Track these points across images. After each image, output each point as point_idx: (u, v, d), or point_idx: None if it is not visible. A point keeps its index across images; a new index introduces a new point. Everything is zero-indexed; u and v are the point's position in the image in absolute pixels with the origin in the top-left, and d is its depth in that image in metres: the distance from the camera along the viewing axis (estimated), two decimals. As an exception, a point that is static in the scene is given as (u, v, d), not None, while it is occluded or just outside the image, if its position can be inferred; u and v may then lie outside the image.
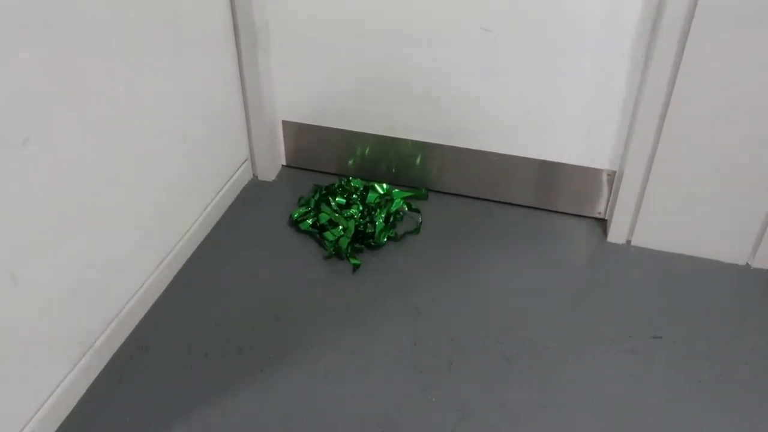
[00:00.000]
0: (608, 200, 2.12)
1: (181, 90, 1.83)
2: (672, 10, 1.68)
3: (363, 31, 2.02)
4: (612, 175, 2.07)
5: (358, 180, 2.25)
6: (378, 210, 2.08)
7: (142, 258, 1.80)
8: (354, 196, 2.11)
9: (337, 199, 2.08)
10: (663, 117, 1.83)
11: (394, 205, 2.12)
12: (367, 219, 2.06)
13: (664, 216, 1.99)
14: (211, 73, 1.98)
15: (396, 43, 2.01)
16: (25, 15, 1.27)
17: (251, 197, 2.26)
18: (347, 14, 2.01)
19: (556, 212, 2.19)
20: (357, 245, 2.02)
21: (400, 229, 2.12)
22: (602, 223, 2.15)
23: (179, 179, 1.91)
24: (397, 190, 2.25)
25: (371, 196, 2.10)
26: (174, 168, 1.87)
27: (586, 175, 2.09)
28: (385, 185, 2.24)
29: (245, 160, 2.30)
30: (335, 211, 2.05)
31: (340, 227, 2.02)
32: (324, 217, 2.05)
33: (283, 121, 2.30)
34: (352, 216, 2.04)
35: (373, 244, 2.03)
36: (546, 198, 2.18)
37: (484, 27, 1.91)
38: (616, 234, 2.07)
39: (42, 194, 1.40)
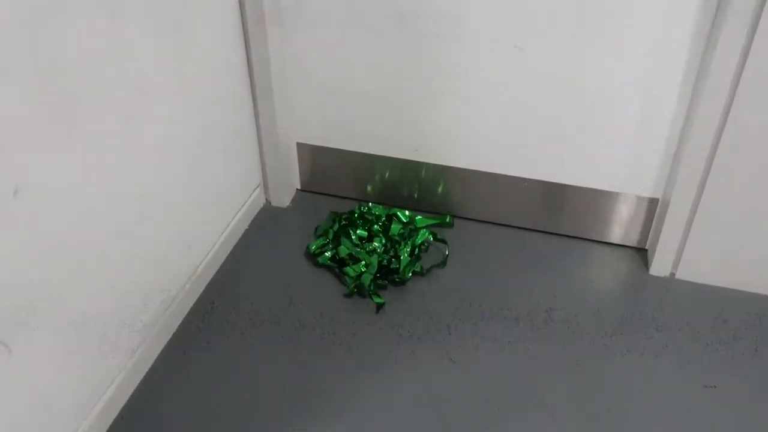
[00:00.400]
0: (650, 230, 1.96)
1: (186, 111, 1.67)
2: (731, 25, 1.52)
3: (381, 54, 1.87)
4: (654, 203, 1.91)
5: (379, 207, 2.10)
6: (402, 243, 1.93)
7: (150, 300, 1.66)
8: (375, 226, 1.96)
9: (358, 231, 1.93)
10: (717, 141, 1.67)
11: (419, 236, 1.97)
12: (391, 253, 1.90)
13: (714, 248, 1.84)
14: (221, 93, 1.83)
15: (420, 61, 1.85)
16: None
17: (264, 226, 2.11)
18: (364, 57, 1.85)
19: (593, 241, 2.04)
20: (380, 281, 1.87)
21: (426, 261, 1.97)
22: (643, 254, 1.99)
23: (184, 213, 1.76)
24: (420, 217, 2.09)
25: (395, 228, 1.95)
26: (179, 200, 1.72)
27: (626, 203, 1.93)
28: (407, 212, 2.08)
29: (258, 186, 2.15)
30: (356, 245, 1.90)
31: (363, 262, 1.86)
32: (344, 251, 1.90)
33: (297, 143, 2.15)
34: (374, 250, 1.89)
35: (397, 280, 1.88)
36: (581, 226, 2.02)
37: (517, 45, 1.75)
38: (660, 266, 1.92)
39: (39, 239, 1.25)
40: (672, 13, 1.61)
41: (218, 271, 1.95)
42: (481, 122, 1.92)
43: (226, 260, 1.98)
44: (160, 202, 1.63)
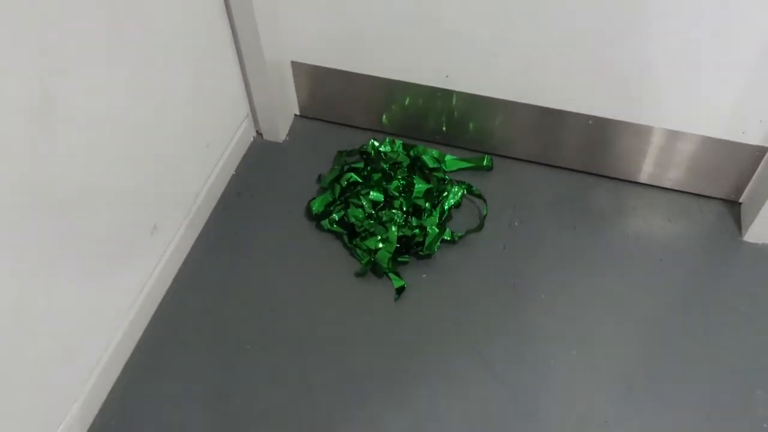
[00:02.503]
0: (752, 186, 1.51)
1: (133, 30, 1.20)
2: None
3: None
4: (762, 154, 1.45)
5: (399, 142, 1.65)
6: (429, 207, 1.50)
7: (121, 286, 1.29)
8: (394, 183, 1.52)
9: (371, 194, 1.50)
10: None
11: (450, 196, 1.53)
12: (414, 222, 1.48)
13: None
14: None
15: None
16: None
17: (254, 171, 1.69)
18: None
19: (672, 190, 1.59)
20: (401, 259, 1.47)
21: (458, 223, 1.55)
22: (735, 211, 1.56)
23: (145, 173, 1.33)
24: (451, 156, 1.65)
25: (419, 188, 1.51)
26: (135, 152, 1.29)
27: (723, 151, 1.47)
28: (434, 152, 1.64)
29: (245, 117, 1.70)
30: (368, 216, 1.48)
31: (378, 237, 1.46)
32: (356, 213, 1.49)
33: (292, 62, 1.66)
34: (392, 218, 1.47)
35: (422, 253, 1.48)
36: (661, 173, 1.57)
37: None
38: (759, 231, 1.49)
39: None
40: None
41: (198, 238, 1.55)
42: (536, 44, 1.41)
43: (207, 224, 1.58)
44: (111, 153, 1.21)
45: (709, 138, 1.45)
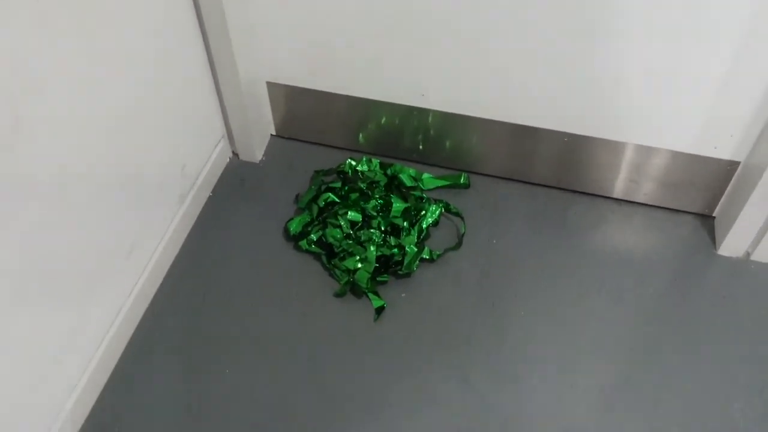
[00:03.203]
0: (721, 199, 1.53)
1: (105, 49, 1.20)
2: None
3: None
4: (734, 168, 1.47)
5: (375, 161, 1.65)
6: (407, 228, 1.50)
7: (97, 313, 1.27)
8: (371, 203, 1.52)
9: (349, 214, 1.49)
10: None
11: (428, 215, 1.54)
12: (393, 241, 1.48)
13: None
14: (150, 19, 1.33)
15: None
16: None
17: (231, 191, 1.68)
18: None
19: (645, 205, 1.61)
20: (380, 278, 1.47)
21: (436, 241, 1.56)
22: (708, 225, 1.58)
23: (124, 191, 1.32)
24: (428, 175, 1.66)
25: (396, 207, 1.51)
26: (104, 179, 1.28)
27: (695, 166, 1.49)
28: (412, 170, 1.64)
29: (221, 138, 1.69)
30: (347, 236, 1.48)
31: (357, 257, 1.45)
32: (334, 233, 1.48)
33: (267, 82, 1.66)
34: (371, 238, 1.47)
35: (401, 272, 1.48)
36: (631, 187, 1.59)
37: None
38: (732, 244, 1.51)
39: None
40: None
41: (175, 260, 1.54)
42: (513, 62, 1.43)
43: (185, 244, 1.57)
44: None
45: (681, 153, 1.48)
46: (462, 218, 1.58)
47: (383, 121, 1.64)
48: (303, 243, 1.52)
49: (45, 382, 1.19)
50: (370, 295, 1.45)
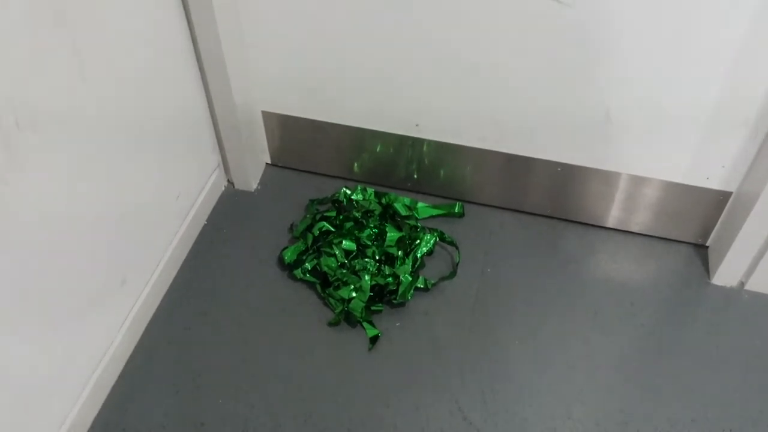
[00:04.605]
0: (714, 229, 1.54)
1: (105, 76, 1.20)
2: None
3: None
4: (726, 198, 1.48)
5: (370, 191, 1.65)
6: (401, 257, 1.50)
7: (88, 344, 1.26)
8: (366, 232, 1.52)
9: (344, 243, 1.49)
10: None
11: (423, 244, 1.54)
12: (387, 270, 1.48)
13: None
14: (154, 52, 1.34)
15: (425, 4, 1.36)
16: None
17: (226, 220, 1.68)
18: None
19: (639, 234, 1.62)
20: (375, 307, 1.47)
21: (431, 270, 1.56)
22: (702, 255, 1.58)
23: (114, 229, 1.32)
24: (423, 204, 1.66)
25: (391, 236, 1.52)
26: (105, 210, 1.28)
27: (688, 196, 1.50)
28: (406, 199, 1.65)
29: (216, 167, 1.69)
30: (341, 265, 1.48)
31: (351, 286, 1.45)
32: (328, 262, 1.48)
33: (263, 112, 1.67)
34: (365, 267, 1.47)
35: (395, 301, 1.48)
36: (624, 217, 1.60)
37: (563, 0, 1.26)
38: (726, 274, 1.51)
39: None
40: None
41: (169, 289, 1.53)
42: (506, 93, 1.44)
43: (179, 274, 1.56)
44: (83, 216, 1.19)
45: (674, 183, 1.49)
46: (456, 247, 1.58)
47: (378, 150, 1.65)
48: (297, 272, 1.52)
49: (35, 418, 1.18)
50: (365, 325, 1.45)
